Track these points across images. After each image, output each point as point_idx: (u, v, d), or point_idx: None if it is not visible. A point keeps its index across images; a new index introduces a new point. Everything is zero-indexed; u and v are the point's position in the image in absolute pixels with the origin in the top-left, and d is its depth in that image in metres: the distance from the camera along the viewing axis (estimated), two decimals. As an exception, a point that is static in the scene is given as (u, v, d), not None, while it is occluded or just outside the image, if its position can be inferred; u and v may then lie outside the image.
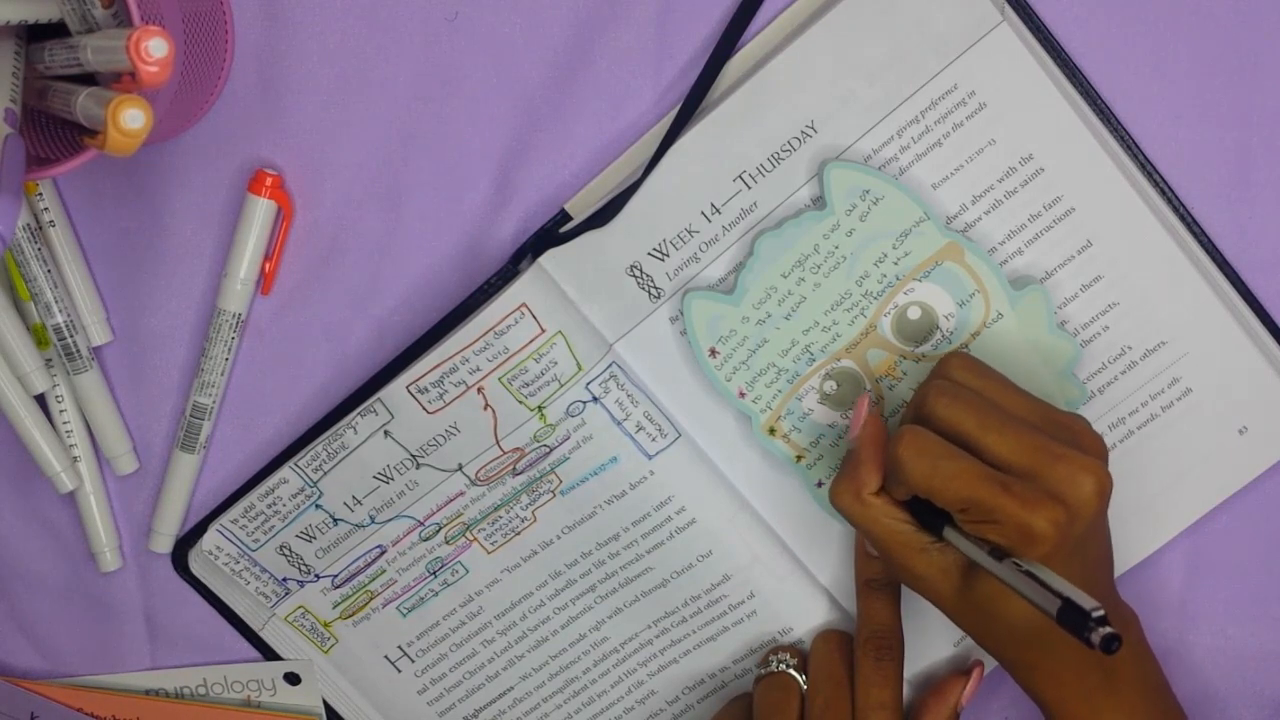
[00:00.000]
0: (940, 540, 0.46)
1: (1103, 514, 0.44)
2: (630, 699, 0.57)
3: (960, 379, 0.46)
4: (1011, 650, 0.47)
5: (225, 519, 0.54)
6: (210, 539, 0.54)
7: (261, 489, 0.53)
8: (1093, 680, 0.46)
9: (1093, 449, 0.45)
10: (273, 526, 0.54)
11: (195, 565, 0.56)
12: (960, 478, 0.43)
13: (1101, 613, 0.38)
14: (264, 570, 0.55)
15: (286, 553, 0.55)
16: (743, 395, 0.51)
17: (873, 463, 0.47)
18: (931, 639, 0.55)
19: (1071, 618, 0.39)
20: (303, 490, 0.53)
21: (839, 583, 0.54)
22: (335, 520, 0.54)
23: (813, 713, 0.51)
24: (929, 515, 0.46)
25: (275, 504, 0.53)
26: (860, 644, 0.51)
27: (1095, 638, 0.38)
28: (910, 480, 0.44)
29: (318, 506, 0.53)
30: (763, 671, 0.54)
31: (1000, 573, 0.42)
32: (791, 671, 0.53)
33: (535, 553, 0.55)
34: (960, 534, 0.45)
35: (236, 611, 0.57)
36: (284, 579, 0.55)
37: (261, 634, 0.57)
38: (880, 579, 0.52)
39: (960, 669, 0.54)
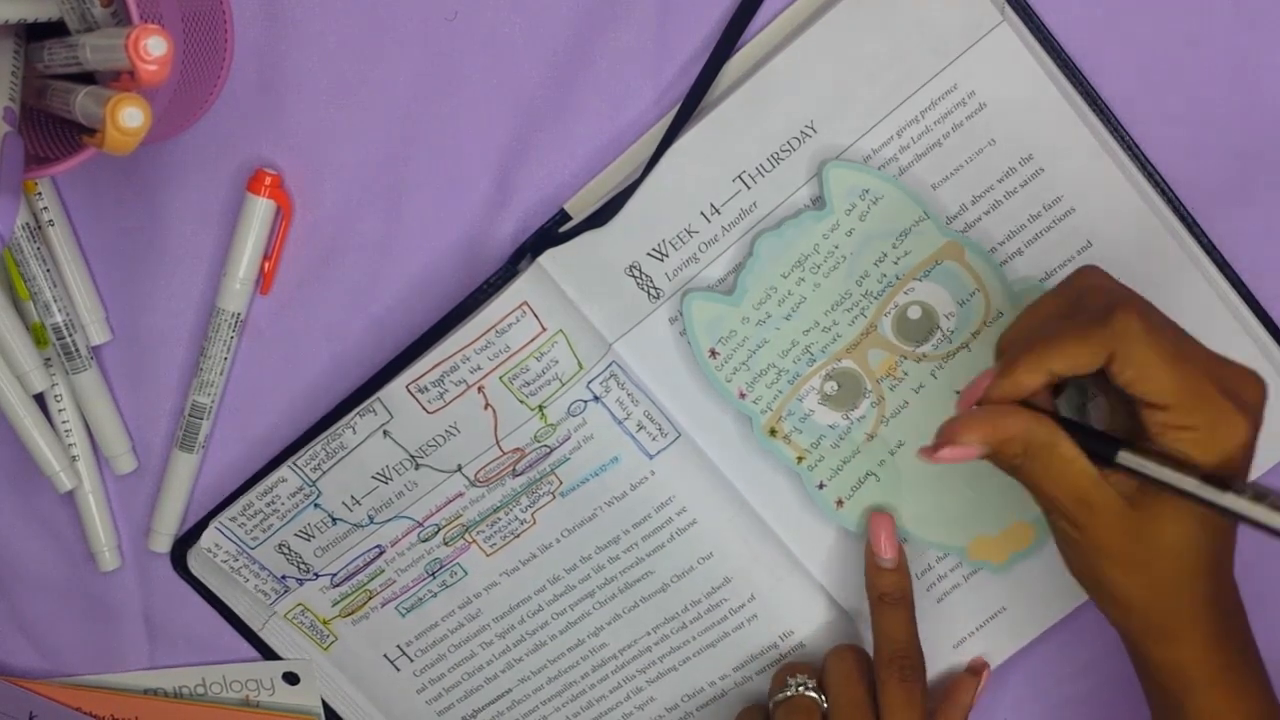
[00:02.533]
0: (1111, 467, 0.42)
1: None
2: (629, 705, 0.57)
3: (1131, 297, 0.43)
4: (1161, 607, 0.43)
5: (224, 517, 0.54)
6: (209, 536, 0.54)
7: (260, 488, 0.53)
8: (1230, 649, 0.44)
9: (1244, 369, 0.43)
10: (271, 525, 0.54)
11: (194, 565, 0.56)
12: (1190, 361, 0.40)
13: None
14: (263, 568, 0.55)
15: (285, 551, 0.54)
16: (743, 396, 0.51)
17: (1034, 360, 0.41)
18: (930, 641, 0.54)
19: None
20: (301, 489, 0.53)
21: (839, 584, 0.54)
22: (334, 520, 0.54)
23: None
24: (1095, 443, 0.42)
25: (274, 502, 0.53)
26: (884, 664, 0.50)
27: None
28: (1134, 349, 0.40)
29: (316, 506, 0.53)
30: (781, 696, 0.52)
31: (1192, 486, 0.39)
32: (811, 694, 0.52)
33: (534, 556, 0.55)
34: (1138, 454, 0.41)
35: (236, 611, 0.57)
36: (283, 576, 0.55)
37: (261, 634, 0.57)
38: (894, 593, 0.51)
39: (962, 668, 0.54)
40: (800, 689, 0.52)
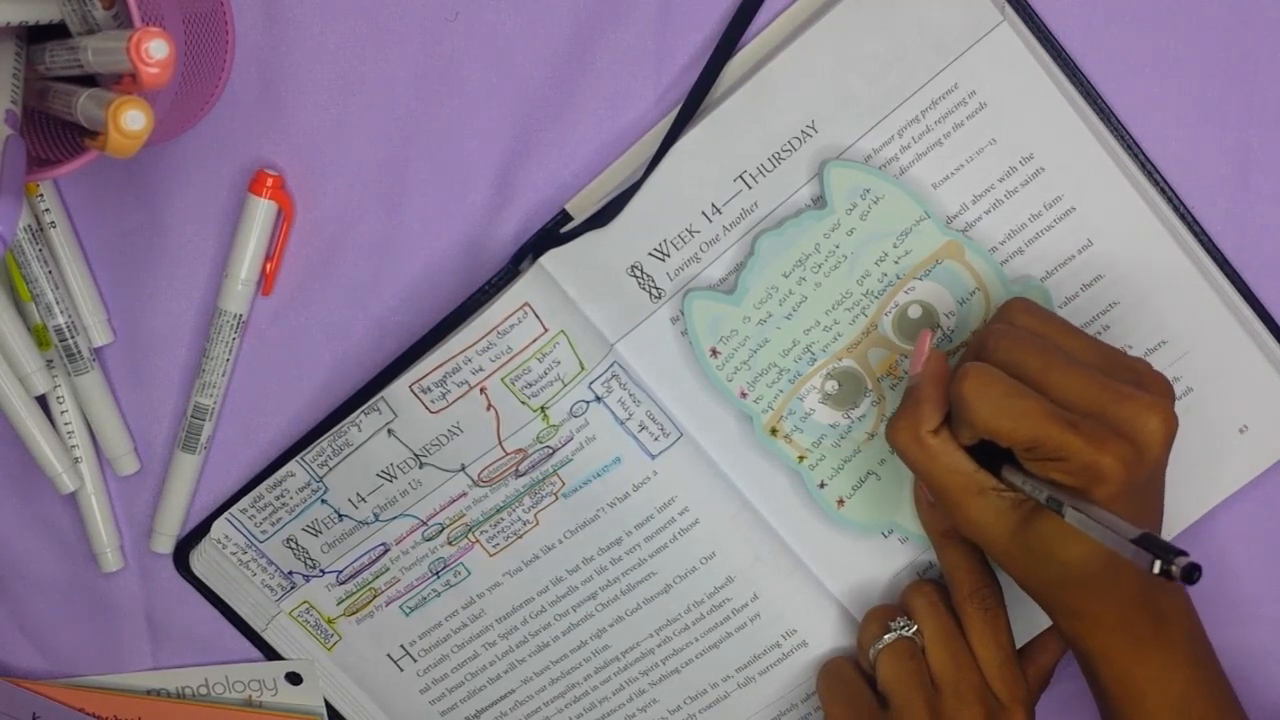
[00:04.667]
0: (1001, 481, 0.45)
1: (1167, 455, 0.44)
2: (632, 706, 0.57)
3: (1021, 322, 0.46)
4: (1062, 595, 0.46)
5: (235, 509, 0.54)
6: (219, 528, 0.54)
7: (270, 481, 0.53)
8: (1141, 628, 0.46)
9: (1158, 390, 0.44)
10: (280, 519, 0.54)
11: (197, 565, 0.56)
12: (1028, 416, 0.42)
13: (1180, 549, 0.37)
14: (270, 563, 0.55)
15: (293, 545, 0.55)
16: (744, 395, 0.52)
17: (933, 400, 0.46)
18: None
19: (1151, 549, 0.37)
20: (309, 485, 0.53)
21: (841, 582, 0.54)
22: (340, 516, 0.54)
23: (945, 676, 0.49)
24: (987, 456, 0.45)
25: (283, 496, 0.53)
26: (965, 598, 0.50)
27: (1176, 568, 0.37)
28: (975, 419, 0.43)
29: (323, 501, 0.53)
30: (883, 643, 0.51)
31: (1069, 516, 0.41)
32: (914, 637, 0.51)
33: (537, 557, 0.55)
34: (1021, 474, 0.44)
35: (238, 612, 0.57)
36: (290, 572, 0.55)
37: (264, 635, 0.57)
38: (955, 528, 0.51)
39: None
40: (903, 631, 0.51)
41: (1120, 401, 0.43)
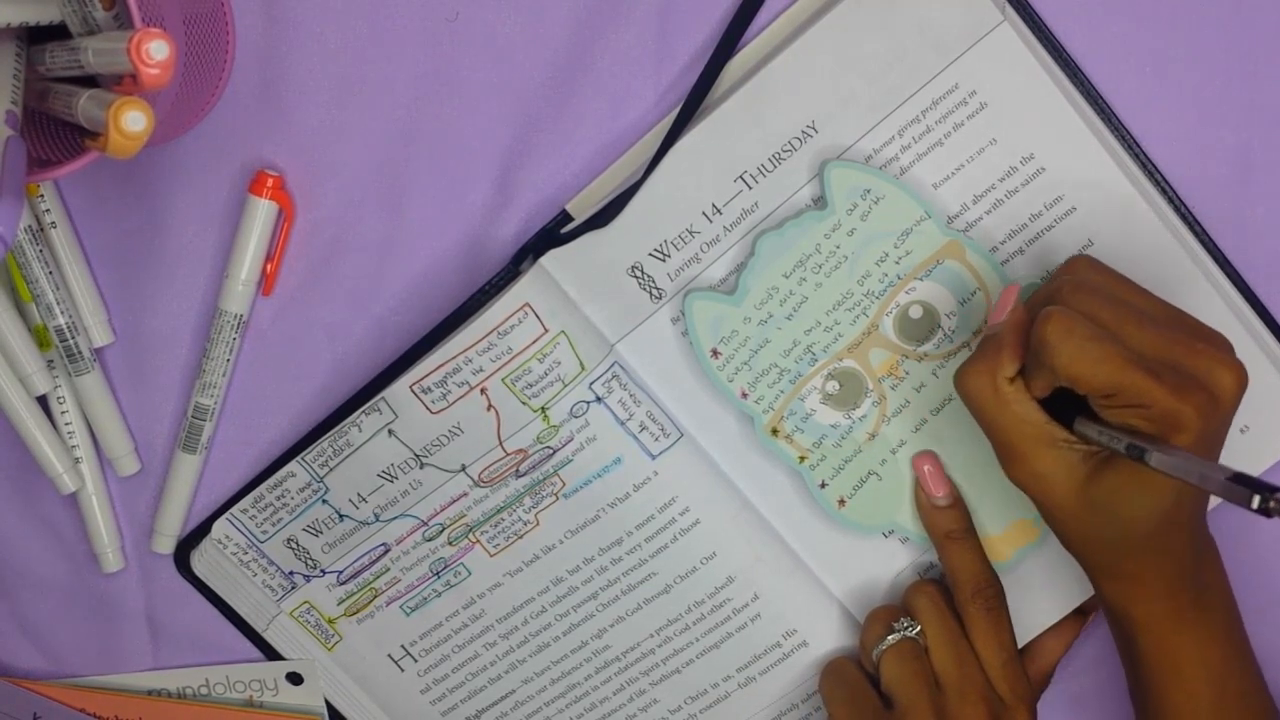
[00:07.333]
0: (1073, 434, 0.44)
1: (1236, 409, 0.43)
2: (632, 706, 0.57)
3: (1088, 278, 0.45)
4: (1114, 558, 0.46)
5: (235, 509, 0.54)
6: (220, 528, 0.54)
7: (270, 481, 0.53)
8: (1184, 598, 0.46)
9: (1222, 346, 0.44)
10: (280, 519, 0.54)
11: (197, 565, 0.56)
12: (1110, 360, 0.42)
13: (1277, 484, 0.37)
14: (271, 563, 0.55)
15: (294, 546, 0.55)
16: (745, 396, 0.52)
17: (1014, 348, 0.45)
18: None
19: (1248, 486, 0.37)
20: (309, 485, 0.53)
21: (841, 582, 0.54)
22: (341, 516, 0.54)
23: (948, 676, 0.49)
24: (1055, 412, 0.45)
25: (283, 496, 0.53)
26: (968, 599, 0.50)
27: (1276, 503, 0.36)
28: (1057, 362, 0.42)
29: (324, 502, 0.53)
30: (886, 645, 0.51)
31: (1154, 460, 0.41)
32: (917, 637, 0.51)
33: (537, 557, 0.55)
34: (1095, 425, 0.43)
35: (239, 612, 0.57)
36: (290, 573, 0.55)
37: (265, 634, 0.57)
38: (957, 529, 0.51)
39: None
40: (906, 631, 0.51)
41: (1194, 355, 0.42)
